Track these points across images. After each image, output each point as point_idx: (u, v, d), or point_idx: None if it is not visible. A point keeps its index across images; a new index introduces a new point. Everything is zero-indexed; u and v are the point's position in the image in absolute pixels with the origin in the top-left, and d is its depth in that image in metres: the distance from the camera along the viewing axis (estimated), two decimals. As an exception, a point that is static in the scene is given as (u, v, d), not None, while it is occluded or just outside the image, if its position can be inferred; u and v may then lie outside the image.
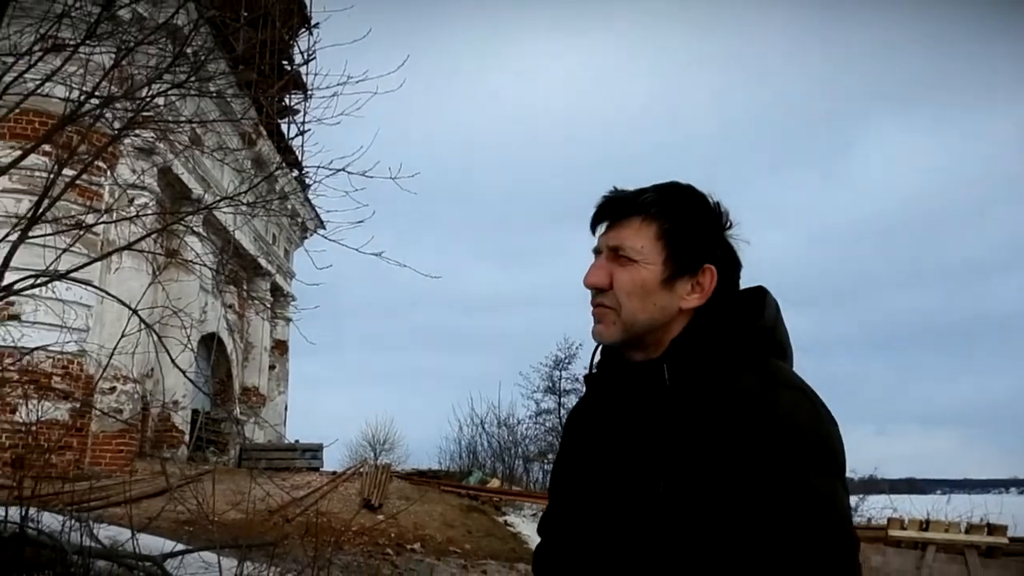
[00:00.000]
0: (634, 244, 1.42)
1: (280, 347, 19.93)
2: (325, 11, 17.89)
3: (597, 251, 1.47)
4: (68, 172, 5.82)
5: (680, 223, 1.44)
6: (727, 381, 1.36)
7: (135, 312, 5.12)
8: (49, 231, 5.69)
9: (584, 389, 1.61)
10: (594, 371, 1.54)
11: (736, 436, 1.31)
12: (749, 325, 1.42)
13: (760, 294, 1.47)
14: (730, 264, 1.47)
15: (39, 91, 5.43)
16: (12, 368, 10.07)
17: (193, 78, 5.73)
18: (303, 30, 18.92)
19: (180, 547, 5.68)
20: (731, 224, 1.48)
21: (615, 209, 1.46)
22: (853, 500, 20.82)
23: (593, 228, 1.50)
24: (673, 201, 1.45)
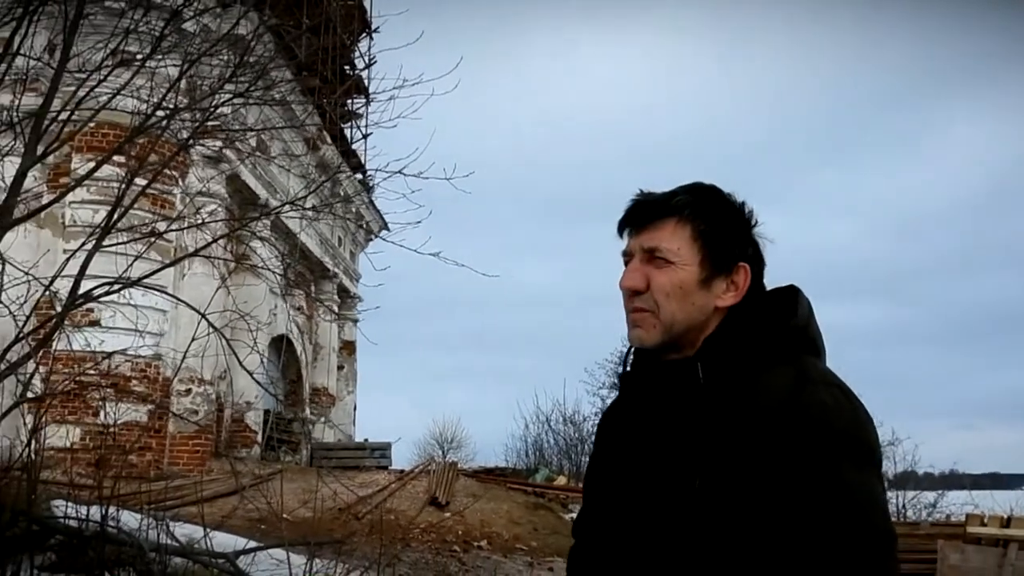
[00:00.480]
0: (670, 246, 1.43)
1: (348, 348, 20.26)
2: (381, 15, 18.11)
3: (627, 254, 1.48)
4: (140, 182, 6.02)
5: (714, 223, 1.46)
6: (762, 378, 1.37)
7: (203, 316, 5.27)
8: (123, 240, 5.90)
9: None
10: (628, 370, 1.54)
11: (772, 432, 1.31)
12: (783, 323, 1.43)
13: (792, 292, 1.48)
14: (759, 262, 1.49)
15: (109, 105, 5.63)
16: (93, 372, 10.44)
17: (256, 86, 5.88)
18: (364, 35, 19.20)
19: (252, 544, 5.83)
20: (757, 223, 1.50)
21: (648, 211, 1.47)
22: (931, 495, 20.26)
23: (621, 231, 1.51)
24: (705, 202, 1.47)
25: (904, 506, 19.62)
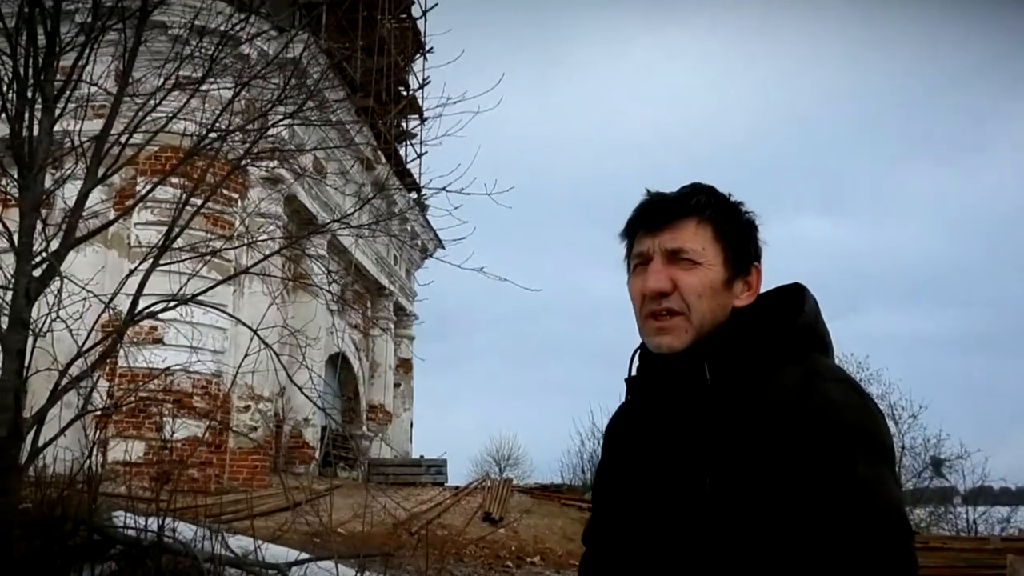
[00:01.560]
0: (695, 246, 1.41)
1: (404, 365, 20.45)
2: (434, 35, 18.35)
3: (642, 255, 1.44)
4: (197, 202, 6.20)
5: (733, 224, 1.45)
6: (770, 377, 1.35)
7: (255, 332, 5.39)
8: (182, 258, 6.07)
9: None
10: (634, 374, 1.52)
11: (782, 430, 1.29)
12: (790, 321, 1.41)
13: (798, 290, 1.46)
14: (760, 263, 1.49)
15: (169, 128, 5.82)
16: (156, 388, 10.74)
17: (309, 107, 6.02)
18: (418, 55, 19.49)
19: (303, 556, 5.91)
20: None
21: (666, 211, 1.44)
22: (1004, 510, 19.49)
23: (633, 232, 1.48)
24: (722, 203, 1.46)
25: (975, 521, 18.98)
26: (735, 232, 1.44)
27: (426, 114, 18.37)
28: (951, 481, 20.21)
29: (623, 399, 1.58)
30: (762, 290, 1.48)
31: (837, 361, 1.47)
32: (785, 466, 1.27)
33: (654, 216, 1.45)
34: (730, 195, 1.48)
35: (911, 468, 19.66)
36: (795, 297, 1.45)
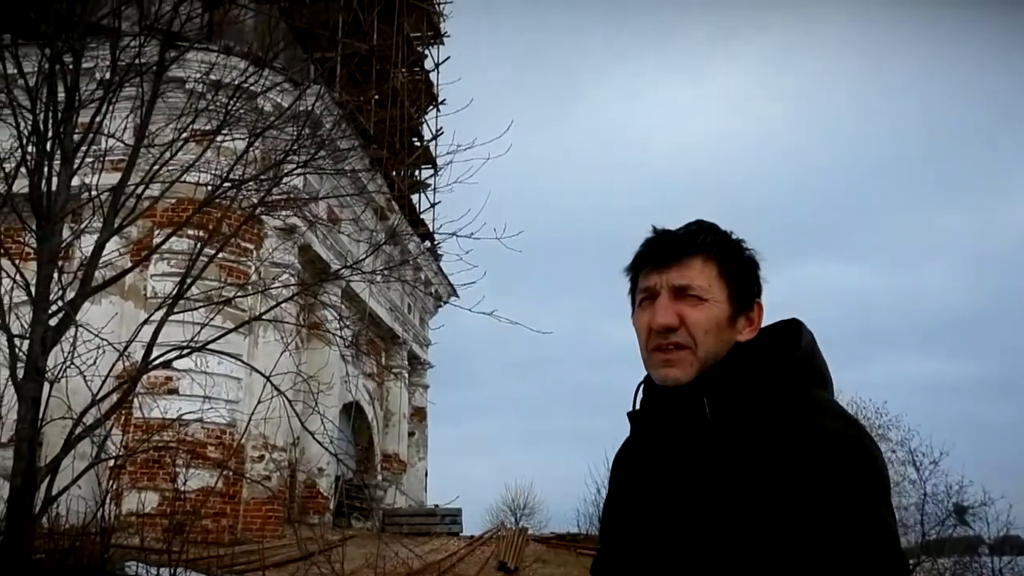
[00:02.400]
0: (701, 283, 1.44)
1: (419, 414, 20.38)
2: (443, 87, 18.62)
3: (649, 290, 1.47)
4: (211, 253, 6.29)
5: (737, 262, 1.48)
6: (769, 411, 1.37)
7: (268, 379, 5.43)
8: (196, 306, 6.14)
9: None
10: (637, 408, 1.54)
11: (780, 463, 1.31)
12: (787, 355, 1.44)
13: (795, 325, 1.49)
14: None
15: (185, 180, 5.94)
16: (170, 438, 10.75)
17: (321, 156, 6.13)
18: (431, 107, 19.79)
19: (315, 606, 5.86)
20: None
21: (675, 249, 1.47)
22: (1029, 561, 19.00)
23: (639, 267, 1.50)
24: (725, 241, 1.49)
25: (1001, 571, 18.55)
26: (739, 270, 1.47)
27: (438, 163, 18.62)
28: (975, 530, 19.81)
29: (628, 433, 1.60)
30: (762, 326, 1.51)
31: (853, 405, 1.48)
32: (783, 499, 1.28)
33: (662, 252, 1.47)
34: (731, 233, 1.51)
35: (934, 516, 19.27)
36: (792, 332, 1.48)
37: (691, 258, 1.45)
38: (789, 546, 1.26)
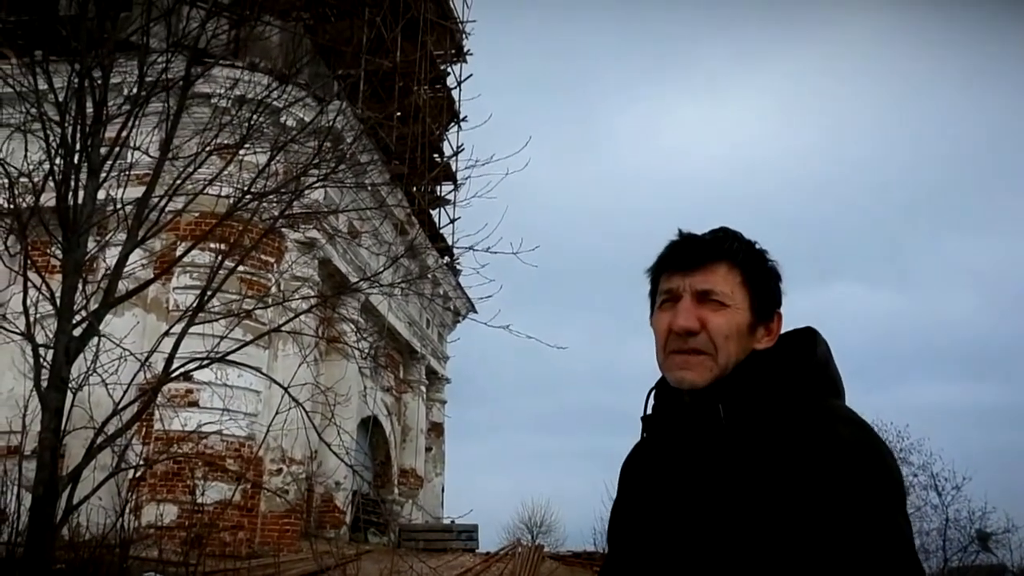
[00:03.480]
0: (725, 289, 1.44)
1: (436, 429, 20.37)
2: (465, 103, 18.72)
3: (671, 292, 1.47)
4: (232, 265, 6.35)
5: (762, 271, 1.49)
6: (783, 416, 1.37)
7: (286, 390, 5.46)
8: (216, 317, 6.20)
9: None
10: (649, 413, 1.54)
11: (795, 469, 1.31)
12: (802, 363, 1.44)
13: (810, 334, 1.49)
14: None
15: (208, 193, 6.01)
16: (190, 450, 10.81)
17: (342, 171, 6.19)
18: (452, 124, 19.90)
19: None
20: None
21: (699, 253, 1.47)
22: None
23: (662, 270, 1.51)
24: (751, 250, 1.50)
25: (1024, 598, 18.30)
26: (762, 279, 1.48)
27: (458, 179, 18.70)
28: (999, 557, 19.51)
29: (639, 438, 1.60)
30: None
31: (874, 427, 1.47)
32: (798, 507, 1.28)
33: (687, 256, 1.48)
34: (755, 243, 1.51)
35: (956, 542, 19.02)
36: (807, 341, 1.48)
37: (716, 264, 1.46)
38: (802, 553, 1.26)
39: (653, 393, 1.54)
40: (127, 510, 5.65)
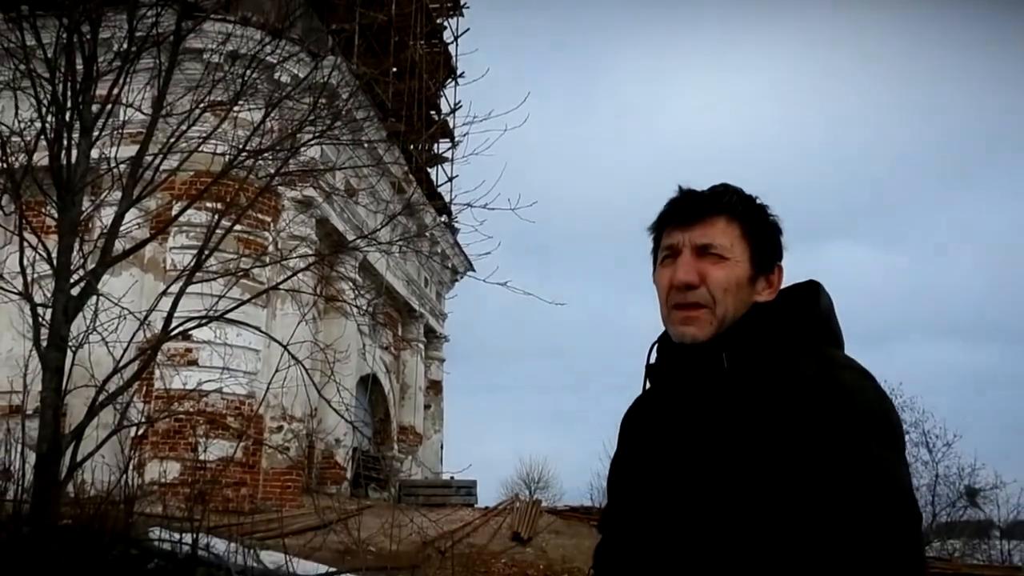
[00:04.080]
0: (724, 242, 1.46)
1: (435, 387, 20.51)
2: (462, 58, 18.52)
3: (672, 248, 1.49)
4: (228, 224, 6.33)
5: (761, 224, 1.50)
6: (786, 366, 1.39)
7: (285, 348, 5.49)
8: (214, 276, 6.20)
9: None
10: (652, 363, 1.56)
11: (797, 416, 1.33)
12: (806, 314, 1.46)
13: (813, 287, 1.51)
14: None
15: (203, 151, 5.97)
16: (191, 410, 10.90)
17: (338, 128, 6.15)
18: (449, 80, 19.71)
19: (332, 570, 5.97)
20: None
21: (698, 207, 1.49)
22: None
23: (663, 226, 1.52)
24: (751, 203, 1.52)
25: (1009, 552, 18.61)
26: (762, 232, 1.49)
27: (456, 136, 18.58)
28: (986, 513, 19.79)
29: (639, 392, 1.61)
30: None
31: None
32: (799, 451, 1.30)
33: (686, 211, 1.49)
34: (757, 197, 1.53)
35: (945, 497, 19.28)
36: (811, 293, 1.50)
37: (715, 217, 1.47)
38: (804, 496, 1.28)
39: (656, 347, 1.55)
40: (130, 467, 5.70)
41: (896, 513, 1.28)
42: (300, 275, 7.72)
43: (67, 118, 5.10)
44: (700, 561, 1.35)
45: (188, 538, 5.90)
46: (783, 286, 1.53)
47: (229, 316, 5.73)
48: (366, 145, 8.87)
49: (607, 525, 1.63)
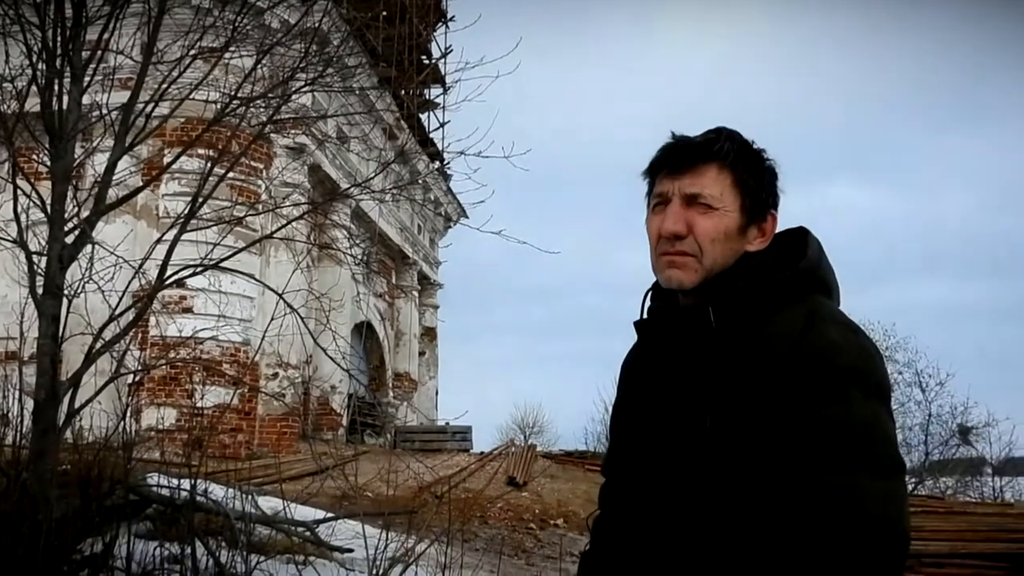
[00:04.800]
0: (713, 191, 1.45)
1: (429, 334, 20.62)
2: (452, 2, 18.22)
3: (661, 196, 1.49)
4: (222, 172, 6.30)
5: (753, 172, 1.49)
6: (772, 319, 1.40)
7: (280, 296, 5.51)
8: (208, 225, 6.19)
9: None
10: (644, 317, 1.58)
11: (781, 368, 1.34)
12: (792, 264, 1.46)
13: (801, 234, 1.51)
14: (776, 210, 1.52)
15: (195, 99, 5.91)
16: (187, 357, 10.96)
17: (329, 75, 6.09)
18: (440, 24, 19.42)
19: (330, 515, 6.07)
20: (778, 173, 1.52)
21: (689, 155, 1.48)
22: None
23: (655, 173, 1.52)
24: (744, 150, 1.50)
25: (1001, 489, 18.99)
26: (755, 180, 1.48)
27: (447, 81, 18.38)
28: (979, 450, 20.13)
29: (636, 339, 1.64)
30: None
31: (860, 324, 1.50)
32: (783, 402, 1.33)
33: (677, 159, 1.48)
34: (753, 142, 1.51)
35: (938, 436, 19.60)
36: (799, 241, 1.50)
37: (706, 166, 1.46)
38: (789, 448, 1.31)
39: (649, 295, 1.57)
40: (128, 414, 5.75)
41: (878, 463, 1.30)
42: (294, 223, 7.70)
43: (58, 64, 5.03)
44: (692, 517, 1.38)
45: (186, 484, 5.97)
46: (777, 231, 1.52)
47: (224, 264, 5.73)
48: (357, 92, 8.78)
49: (610, 469, 1.67)
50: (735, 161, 1.47)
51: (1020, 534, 8.59)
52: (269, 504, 6.44)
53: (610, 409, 1.73)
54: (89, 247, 5.32)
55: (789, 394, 1.33)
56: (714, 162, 1.46)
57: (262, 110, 5.75)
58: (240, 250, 5.97)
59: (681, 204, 1.45)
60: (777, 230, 1.53)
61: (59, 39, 5.06)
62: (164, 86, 5.36)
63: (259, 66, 5.67)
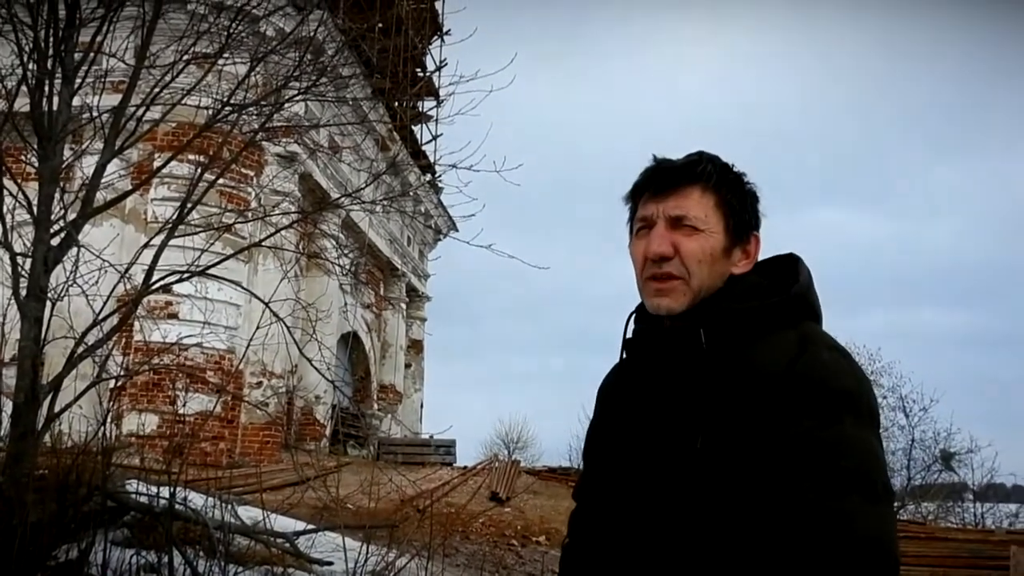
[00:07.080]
0: (698, 213, 1.45)
1: (416, 346, 20.56)
2: (448, 16, 18.28)
3: (645, 219, 1.48)
4: (212, 178, 6.27)
5: (736, 193, 1.49)
6: (764, 342, 1.39)
7: (267, 305, 5.48)
8: (197, 231, 6.16)
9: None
10: (628, 337, 1.56)
11: (773, 391, 1.33)
12: (784, 289, 1.46)
13: (792, 260, 1.51)
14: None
15: (186, 104, 5.89)
16: (171, 364, 10.87)
17: (323, 84, 6.08)
18: (435, 37, 19.48)
19: (310, 527, 6.01)
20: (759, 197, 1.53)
21: (672, 178, 1.48)
22: (1012, 507, 19.43)
23: (638, 196, 1.52)
24: (726, 172, 1.50)
25: (983, 515, 19.06)
26: (737, 201, 1.48)
27: (441, 94, 18.42)
28: (960, 476, 20.21)
29: (617, 359, 1.61)
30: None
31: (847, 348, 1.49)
32: (776, 423, 1.32)
33: (660, 182, 1.48)
34: (733, 165, 1.51)
35: (920, 461, 19.67)
36: (790, 266, 1.50)
37: (689, 188, 1.46)
38: (781, 469, 1.30)
39: (633, 317, 1.55)
40: (108, 419, 5.68)
41: (866, 487, 1.29)
42: (283, 232, 7.67)
43: (49, 65, 5.00)
44: (672, 542, 1.36)
45: (165, 491, 5.90)
46: (760, 257, 1.53)
47: (211, 271, 5.69)
48: (351, 102, 8.78)
49: (582, 494, 1.64)
50: (718, 183, 1.47)
51: (1001, 560, 8.61)
52: (249, 514, 6.37)
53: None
54: (75, 250, 5.27)
55: (782, 416, 1.32)
56: (697, 184, 1.46)
57: (254, 117, 5.73)
58: (228, 257, 5.95)
59: (666, 226, 1.45)
60: (761, 256, 1.53)
61: (51, 40, 5.04)
62: (156, 90, 5.34)
63: (252, 73, 5.65)
